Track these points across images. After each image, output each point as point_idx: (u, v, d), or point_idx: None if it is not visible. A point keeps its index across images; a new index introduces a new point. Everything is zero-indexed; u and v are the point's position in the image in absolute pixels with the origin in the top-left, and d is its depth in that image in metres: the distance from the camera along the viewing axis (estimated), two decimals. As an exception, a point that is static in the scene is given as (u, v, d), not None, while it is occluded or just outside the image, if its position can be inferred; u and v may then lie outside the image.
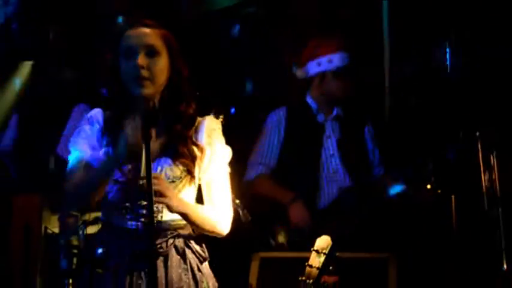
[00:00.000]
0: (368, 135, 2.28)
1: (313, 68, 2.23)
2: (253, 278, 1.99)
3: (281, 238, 2.07)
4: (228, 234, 1.47)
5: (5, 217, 2.01)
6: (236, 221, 1.57)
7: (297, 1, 3.00)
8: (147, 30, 1.39)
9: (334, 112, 2.29)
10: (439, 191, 1.85)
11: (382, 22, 2.77)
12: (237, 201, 1.78)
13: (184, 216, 1.38)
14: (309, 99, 2.30)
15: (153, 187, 1.25)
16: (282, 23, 3.06)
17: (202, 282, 1.43)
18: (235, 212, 1.64)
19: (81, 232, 1.72)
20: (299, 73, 2.29)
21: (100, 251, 1.48)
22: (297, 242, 2.03)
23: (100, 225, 1.68)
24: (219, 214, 1.45)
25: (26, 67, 2.51)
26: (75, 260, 1.69)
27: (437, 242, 2.04)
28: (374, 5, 2.85)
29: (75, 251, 1.70)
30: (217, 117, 1.68)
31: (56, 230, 1.82)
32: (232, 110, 2.61)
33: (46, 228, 1.95)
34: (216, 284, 1.49)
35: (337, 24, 2.82)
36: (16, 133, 2.31)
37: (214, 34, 3.14)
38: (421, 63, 2.69)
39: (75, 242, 1.71)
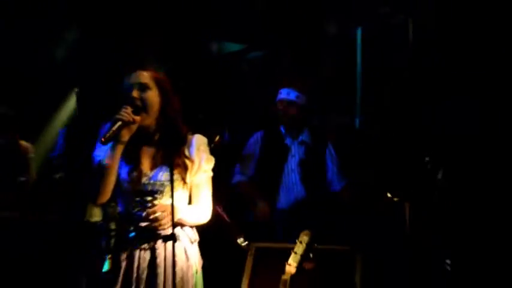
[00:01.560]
0: (328, 157, 2.88)
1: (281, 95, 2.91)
2: (249, 265, 2.47)
3: (240, 241, 2.58)
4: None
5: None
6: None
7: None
8: (141, 72, 1.84)
9: (300, 138, 2.92)
10: (396, 199, 2.36)
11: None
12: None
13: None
14: (281, 127, 2.95)
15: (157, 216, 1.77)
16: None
17: (192, 262, 1.86)
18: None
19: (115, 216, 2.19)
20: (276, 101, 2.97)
21: (133, 234, 1.94)
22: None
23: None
24: (201, 210, 1.91)
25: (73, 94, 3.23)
26: (113, 240, 2.08)
27: (394, 241, 2.56)
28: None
29: (113, 233, 2.16)
30: (215, 138, 2.22)
31: (96, 220, 2.31)
32: (225, 135, 3.20)
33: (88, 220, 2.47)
34: (201, 262, 1.91)
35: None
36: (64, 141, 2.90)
37: (224, 71, 3.91)
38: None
39: (113, 226, 2.17)
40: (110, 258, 1.92)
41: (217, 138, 2.37)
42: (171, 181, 1.74)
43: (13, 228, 2.80)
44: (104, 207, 2.26)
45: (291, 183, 2.83)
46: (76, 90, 3.37)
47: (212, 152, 1.93)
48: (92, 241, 2.30)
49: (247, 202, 2.85)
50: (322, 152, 2.89)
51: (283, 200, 2.82)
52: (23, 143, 3.34)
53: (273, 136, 2.93)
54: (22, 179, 3.11)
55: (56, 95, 4.06)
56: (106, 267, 1.87)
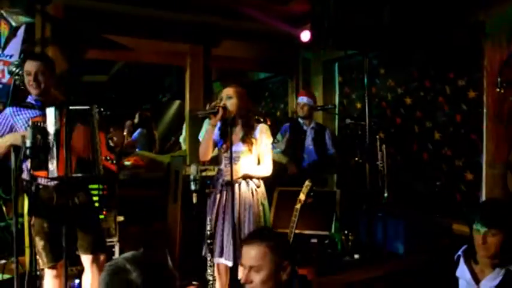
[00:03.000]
0: (326, 135, 4.61)
1: (299, 100, 4.65)
2: (274, 202, 4.07)
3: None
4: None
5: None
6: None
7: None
8: (229, 88, 3.36)
9: (311, 125, 4.65)
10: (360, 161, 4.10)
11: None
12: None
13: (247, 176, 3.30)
14: (300, 120, 4.69)
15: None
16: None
17: (258, 197, 3.35)
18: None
19: (199, 172, 3.56)
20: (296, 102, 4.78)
21: (208, 182, 3.50)
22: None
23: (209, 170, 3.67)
24: (264, 169, 3.35)
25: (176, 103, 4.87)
26: (198, 185, 3.23)
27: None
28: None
29: (198, 181, 3.25)
30: (266, 123, 3.72)
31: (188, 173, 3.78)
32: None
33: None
34: (266, 198, 3.37)
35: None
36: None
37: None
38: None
39: (197, 177, 3.23)
40: (195, 196, 3.19)
41: (269, 122, 4.11)
42: (250, 150, 3.31)
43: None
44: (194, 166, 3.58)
45: (308, 151, 4.59)
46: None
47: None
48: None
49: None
50: (323, 133, 4.70)
51: (304, 162, 4.56)
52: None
53: (296, 125, 4.69)
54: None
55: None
56: (194, 200, 3.18)
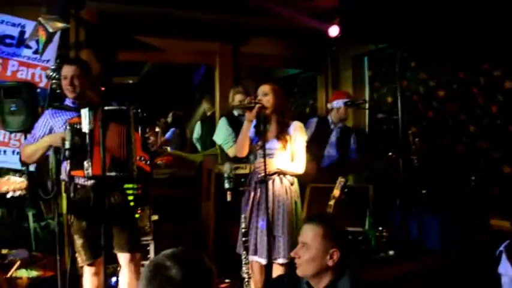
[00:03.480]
0: (351, 139, 4.50)
1: (336, 104, 4.46)
2: (306, 199, 4.06)
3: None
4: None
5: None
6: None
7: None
8: (265, 85, 3.38)
9: (339, 125, 4.54)
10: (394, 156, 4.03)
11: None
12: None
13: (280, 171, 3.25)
14: (329, 117, 4.55)
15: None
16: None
17: (291, 195, 3.24)
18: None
19: (233, 170, 3.54)
20: (329, 106, 4.59)
21: (243, 180, 3.52)
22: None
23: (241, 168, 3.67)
24: (298, 166, 3.29)
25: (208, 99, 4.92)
26: (232, 183, 3.27)
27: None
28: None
29: (232, 179, 3.21)
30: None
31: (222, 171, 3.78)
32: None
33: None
34: (299, 196, 3.32)
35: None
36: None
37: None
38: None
39: (231, 175, 3.27)
40: (230, 194, 3.24)
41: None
42: (284, 147, 3.28)
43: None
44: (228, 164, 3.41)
45: (331, 149, 4.51)
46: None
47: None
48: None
49: None
50: (349, 135, 4.59)
51: (326, 161, 4.49)
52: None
53: (323, 122, 4.62)
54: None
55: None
56: (228, 198, 3.22)
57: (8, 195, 2.76)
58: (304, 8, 4.80)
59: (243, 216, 3.19)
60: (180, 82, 7.20)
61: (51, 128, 3.02)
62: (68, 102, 3.11)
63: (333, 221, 2.23)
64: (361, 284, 2.11)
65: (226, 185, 3.21)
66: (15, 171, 4.04)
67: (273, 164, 3.22)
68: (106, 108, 2.90)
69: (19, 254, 3.77)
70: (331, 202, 3.42)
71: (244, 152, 3.36)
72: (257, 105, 3.19)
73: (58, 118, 3.04)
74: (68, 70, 3.04)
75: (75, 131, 2.83)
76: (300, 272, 2.11)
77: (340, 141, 4.50)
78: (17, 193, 2.77)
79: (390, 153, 4.16)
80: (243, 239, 3.13)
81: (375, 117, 5.49)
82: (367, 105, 5.33)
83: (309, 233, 2.10)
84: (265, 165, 3.13)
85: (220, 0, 4.62)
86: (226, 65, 5.23)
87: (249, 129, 3.30)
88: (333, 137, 4.53)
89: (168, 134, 6.23)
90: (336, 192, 3.44)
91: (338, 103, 4.51)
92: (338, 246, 2.07)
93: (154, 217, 3.98)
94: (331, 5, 4.66)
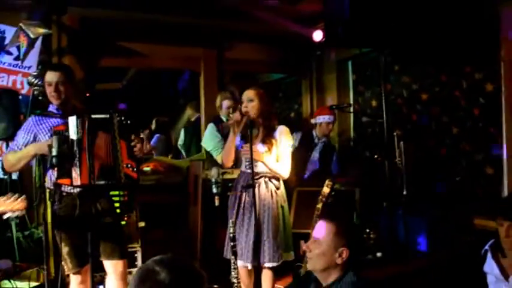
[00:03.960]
0: (335, 156, 4.64)
1: (318, 119, 4.53)
2: (293, 203, 4.07)
3: None
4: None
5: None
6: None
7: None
8: (250, 90, 3.40)
9: (323, 139, 4.63)
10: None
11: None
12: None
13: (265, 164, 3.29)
14: (313, 132, 4.65)
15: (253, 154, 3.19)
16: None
17: (277, 199, 3.36)
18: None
19: (220, 175, 3.55)
20: (313, 121, 4.70)
21: (230, 184, 3.51)
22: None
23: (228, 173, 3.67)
24: (283, 168, 3.33)
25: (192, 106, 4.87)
26: (219, 188, 3.25)
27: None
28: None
29: (219, 184, 3.27)
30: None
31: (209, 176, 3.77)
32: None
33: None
34: (286, 200, 3.39)
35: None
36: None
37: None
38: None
39: (219, 180, 3.26)
40: (217, 199, 3.24)
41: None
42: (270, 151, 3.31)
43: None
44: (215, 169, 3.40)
45: (313, 162, 4.62)
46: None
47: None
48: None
49: None
50: (332, 152, 4.76)
51: (308, 173, 4.58)
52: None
53: (307, 136, 4.72)
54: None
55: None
56: (216, 203, 3.20)
57: (5, 216, 2.68)
58: (288, 12, 4.83)
59: (230, 221, 3.18)
60: (164, 88, 7.16)
61: (35, 136, 2.99)
62: (52, 108, 3.07)
63: (346, 220, 2.32)
64: (365, 281, 2.16)
65: (214, 190, 3.20)
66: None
67: (259, 154, 3.23)
68: (93, 116, 2.87)
69: (1, 264, 3.69)
70: (319, 205, 3.41)
71: (230, 162, 3.40)
72: (244, 118, 3.23)
73: (42, 125, 3.00)
74: (52, 76, 3.00)
75: (62, 138, 2.79)
76: (310, 265, 2.17)
77: (323, 154, 4.63)
78: (16, 214, 2.70)
79: (376, 156, 4.19)
80: (231, 243, 3.12)
81: (359, 121, 5.54)
82: (351, 109, 5.37)
83: (322, 229, 2.14)
84: (252, 172, 3.13)
85: (203, 6, 4.62)
86: (211, 71, 5.23)
87: (234, 140, 3.33)
88: (316, 152, 4.65)
89: (153, 141, 6.19)
90: (326, 190, 3.44)
91: (322, 118, 4.63)
92: (348, 245, 2.11)
93: (141, 224, 3.94)
94: (315, 10, 4.69)
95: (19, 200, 2.69)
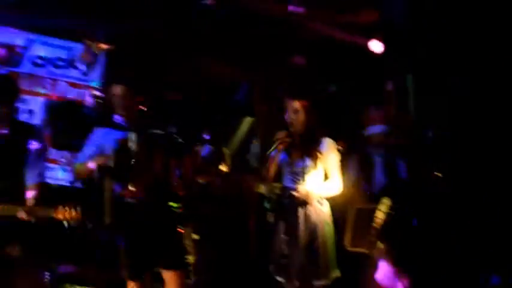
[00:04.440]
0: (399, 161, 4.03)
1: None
2: (350, 221, 3.86)
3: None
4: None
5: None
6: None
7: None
8: (295, 101, 3.27)
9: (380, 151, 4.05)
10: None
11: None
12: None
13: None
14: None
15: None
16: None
17: (323, 216, 3.19)
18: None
19: (274, 190, 3.42)
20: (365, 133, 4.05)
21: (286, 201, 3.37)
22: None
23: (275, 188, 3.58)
24: (334, 186, 3.21)
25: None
26: (272, 204, 3.27)
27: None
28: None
29: (272, 199, 3.27)
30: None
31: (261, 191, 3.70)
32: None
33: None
34: (331, 217, 3.21)
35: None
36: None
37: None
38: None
39: (272, 195, 3.26)
40: (272, 215, 3.26)
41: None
42: (316, 165, 3.17)
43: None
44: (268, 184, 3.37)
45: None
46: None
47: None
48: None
49: None
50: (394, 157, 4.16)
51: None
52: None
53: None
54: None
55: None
56: (271, 219, 3.24)
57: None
58: (344, 23, 4.74)
59: (278, 238, 3.15)
60: (221, 99, 7.23)
61: (101, 147, 3.09)
62: (117, 120, 3.17)
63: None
64: None
65: (267, 206, 3.23)
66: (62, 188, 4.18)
67: (313, 194, 3.15)
68: (152, 132, 2.97)
69: (63, 268, 3.84)
70: (376, 225, 3.28)
71: (271, 176, 3.29)
72: (280, 146, 3.16)
73: (107, 137, 3.10)
74: (117, 89, 3.10)
75: (124, 151, 2.87)
76: None
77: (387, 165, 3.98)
78: (71, 223, 2.83)
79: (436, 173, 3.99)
80: (278, 261, 3.07)
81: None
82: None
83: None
84: (300, 190, 3.13)
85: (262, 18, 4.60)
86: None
87: (277, 157, 3.23)
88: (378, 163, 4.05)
89: (204, 151, 6.23)
90: (380, 215, 3.29)
91: (375, 128, 3.98)
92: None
93: (195, 236, 3.98)
94: (372, 20, 4.57)
95: (74, 210, 2.80)
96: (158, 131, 3.00)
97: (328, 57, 5.33)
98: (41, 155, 3.05)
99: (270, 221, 3.17)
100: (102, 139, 3.09)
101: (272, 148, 3.20)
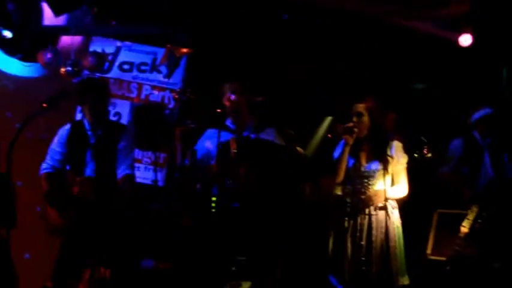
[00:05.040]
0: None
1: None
2: (433, 226, 3.68)
3: None
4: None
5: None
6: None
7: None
8: (359, 104, 3.18)
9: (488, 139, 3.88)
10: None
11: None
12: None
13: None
14: (475, 133, 3.95)
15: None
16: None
17: (393, 220, 3.09)
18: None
19: (350, 194, 3.37)
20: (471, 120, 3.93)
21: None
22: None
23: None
24: (402, 190, 3.13)
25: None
26: (348, 208, 3.22)
27: None
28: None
29: (349, 204, 3.23)
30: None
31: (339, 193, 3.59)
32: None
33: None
34: (400, 221, 3.11)
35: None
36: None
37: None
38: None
39: (349, 200, 3.24)
40: (348, 220, 3.17)
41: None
42: (386, 169, 3.07)
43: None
44: (343, 188, 3.31)
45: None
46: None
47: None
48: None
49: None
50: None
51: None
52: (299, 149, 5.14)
53: (471, 141, 3.91)
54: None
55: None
56: (346, 224, 3.12)
57: None
58: (430, 16, 4.45)
59: (354, 244, 3.08)
60: (301, 101, 7.15)
61: (208, 148, 3.22)
62: (228, 123, 3.26)
63: None
64: None
65: (346, 209, 3.17)
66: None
67: (382, 195, 3.04)
68: (250, 137, 3.07)
69: (145, 263, 3.97)
70: (462, 233, 3.06)
71: (341, 177, 3.23)
72: (355, 129, 3.09)
73: (213, 139, 3.15)
74: (227, 88, 3.19)
75: (225, 152, 2.97)
76: None
77: (494, 158, 3.78)
78: None
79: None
80: (362, 268, 2.99)
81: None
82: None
83: None
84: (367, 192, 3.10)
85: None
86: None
87: (347, 153, 3.15)
88: (486, 156, 3.83)
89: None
90: (467, 223, 3.07)
91: (481, 113, 3.85)
92: None
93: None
94: (461, 12, 4.24)
95: None
96: (255, 138, 3.04)
97: (416, 54, 5.04)
98: (130, 152, 3.21)
99: (346, 226, 3.12)
100: (208, 141, 3.22)
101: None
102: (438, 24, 4.48)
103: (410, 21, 4.35)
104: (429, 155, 4.10)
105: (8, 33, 4.22)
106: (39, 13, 4.36)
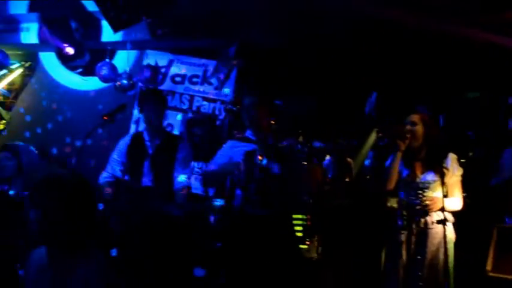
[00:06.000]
0: None
1: None
2: (493, 242, 3.50)
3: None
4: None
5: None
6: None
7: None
8: (413, 115, 3.09)
9: None
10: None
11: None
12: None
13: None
14: None
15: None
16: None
17: (448, 233, 2.89)
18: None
19: (406, 206, 3.28)
20: None
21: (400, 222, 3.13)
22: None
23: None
24: (456, 203, 2.99)
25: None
26: (405, 221, 3.07)
27: None
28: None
29: (405, 216, 3.06)
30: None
31: (392, 205, 3.51)
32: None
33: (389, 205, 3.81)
34: (455, 235, 2.95)
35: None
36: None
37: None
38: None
39: (404, 212, 3.08)
40: (403, 233, 3.04)
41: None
42: (442, 181, 2.92)
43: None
44: (399, 199, 3.18)
45: None
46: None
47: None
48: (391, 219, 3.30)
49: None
50: None
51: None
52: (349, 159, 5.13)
53: None
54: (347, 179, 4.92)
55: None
56: (402, 238, 2.99)
57: None
58: (488, 23, 4.29)
59: (409, 259, 2.97)
60: (351, 110, 7.06)
61: (231, 158, 3.21)
62: (248, 134, 3.27)
63: None
64: None
65: (400, 223, 3.06)
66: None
67: (440, 201, 2.93)
68: (279, 145, 3.01)
69: (196, 272, 4.00)
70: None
71: (391, 185, 3.12)
72: (407, 135, 3.03)
73: (237, 149, 3.19)
74: (246, 101, 3.18)
75: (251, 163, 2.95)
76: None
77: None
78: None
79: None
80: (419, 284, 2.90)
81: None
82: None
83: None
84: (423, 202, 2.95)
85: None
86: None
87: (399, 159, 3.07)
88: None
89: (325, 162, 6.10)
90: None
91: None
92: None
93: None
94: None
95: None
96: (285, 145, 3.02)
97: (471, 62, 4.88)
98: (187, 162, 3.28)
99: (403, 240, 3.00)
100: (231, 150, 3.20)
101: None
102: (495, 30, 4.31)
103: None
104: None
105: (70, 50, 4.43)
106: (98, 30, 4.55)
